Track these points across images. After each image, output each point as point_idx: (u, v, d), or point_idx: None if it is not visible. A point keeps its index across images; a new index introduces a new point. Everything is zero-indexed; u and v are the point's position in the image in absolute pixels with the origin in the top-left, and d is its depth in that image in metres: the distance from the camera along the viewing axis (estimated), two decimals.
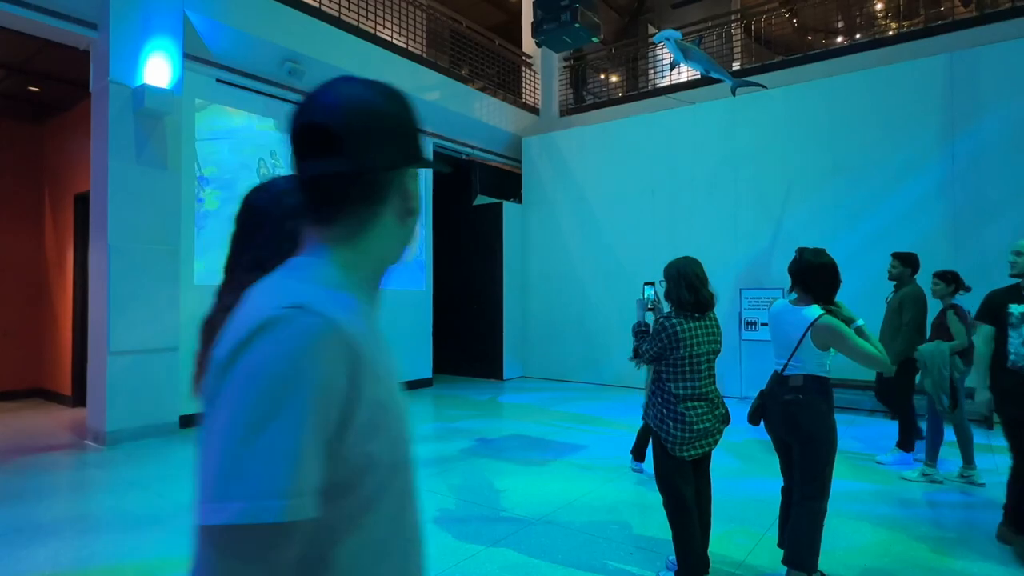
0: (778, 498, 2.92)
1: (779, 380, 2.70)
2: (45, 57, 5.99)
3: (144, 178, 5.46)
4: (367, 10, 7.71)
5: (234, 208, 1.22)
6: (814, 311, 2.58)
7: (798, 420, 2.60)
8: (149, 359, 5.47)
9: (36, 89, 6.82)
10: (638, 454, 4.45)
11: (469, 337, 9.75)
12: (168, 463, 4.74)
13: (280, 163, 6.89)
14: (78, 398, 6.78)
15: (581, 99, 10.30)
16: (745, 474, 4.47)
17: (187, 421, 5.80)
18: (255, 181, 6.43)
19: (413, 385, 8.46)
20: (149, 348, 5.47)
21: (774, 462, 3.25)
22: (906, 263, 4.79)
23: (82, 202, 6.72)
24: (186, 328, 5.85)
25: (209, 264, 6.18)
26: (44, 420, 6.38)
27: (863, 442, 5.38)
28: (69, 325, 7.15)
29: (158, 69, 5.52)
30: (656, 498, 2.74)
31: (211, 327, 1.12)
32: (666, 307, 2.80)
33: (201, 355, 1.14)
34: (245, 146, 6.52)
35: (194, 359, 1.17)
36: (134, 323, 5.36)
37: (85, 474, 4.63)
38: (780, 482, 2.91)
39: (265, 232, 1.14)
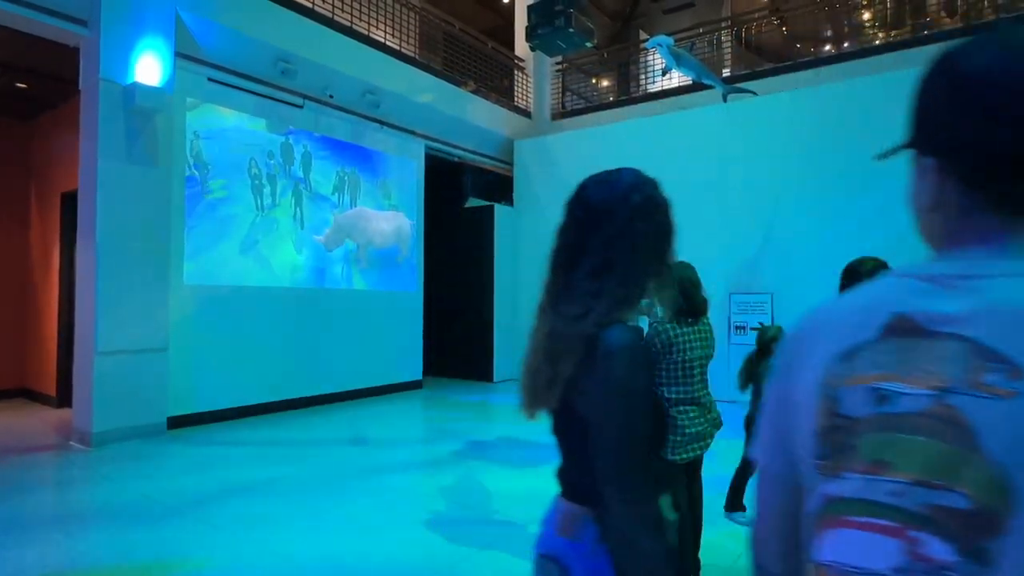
0: None
1: None
2: (34, 53, 5.92)
3: (134, 177, 5.41)
4: (360, 11, 7.70)
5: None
6: None
7: None
8: (137, 359, 5.41)
9: (24, 86, 6.74)
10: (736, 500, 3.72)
11: (459, 339, 9.75)
12: (155, 464, 4.69)
13: (277, 163, 6.86)
14: (63, 398, 6.69)
15: (563, 106, 10.35)
16: None
17: (175, 422, 5.76)
18: (246, 181, 6.40)
19: (403, 387, 8.44)
20: (137, 348, 5.42)
21: None
22: None
23: (69, 200, 6.64)
24: (175, 328, 5.81)
25: (200, 264, 6.14)
26: (29, 421, 6.30)
27: None
28: (55, 325, 7.06)
29: (149, 67, 5.47)
30: None
31: (558, 340, 1.01)
32: (659, 312, 2.82)
33: (554, 370, 1.01)
34: (236, 146, 6.49)
35: (538, 375, 1.04)
36: (122, 323, 5.31)
37: (71, 475, 4.58)
38: None
39: (609, 232, 1.02)
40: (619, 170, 1.08)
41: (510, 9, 11.10)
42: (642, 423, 0.96)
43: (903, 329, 0.56)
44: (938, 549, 0.50)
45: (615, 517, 0.94)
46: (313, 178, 7.32)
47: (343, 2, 7.38)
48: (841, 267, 5.75)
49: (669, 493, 1.06)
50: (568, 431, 1.05)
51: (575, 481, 1.05)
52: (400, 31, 8.39)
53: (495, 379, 9.34)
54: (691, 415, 2.62)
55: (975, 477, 0.49)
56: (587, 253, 1.02)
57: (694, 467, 2.78)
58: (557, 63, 10.25)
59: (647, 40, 7.86)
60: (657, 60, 9.26)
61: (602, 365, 0.95)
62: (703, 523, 2.85)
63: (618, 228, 1.01)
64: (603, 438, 0.95)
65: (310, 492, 4.10)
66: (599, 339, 0.96)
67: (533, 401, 1.07)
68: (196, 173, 6.17)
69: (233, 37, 6.11)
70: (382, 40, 7.83)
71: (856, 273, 2.56)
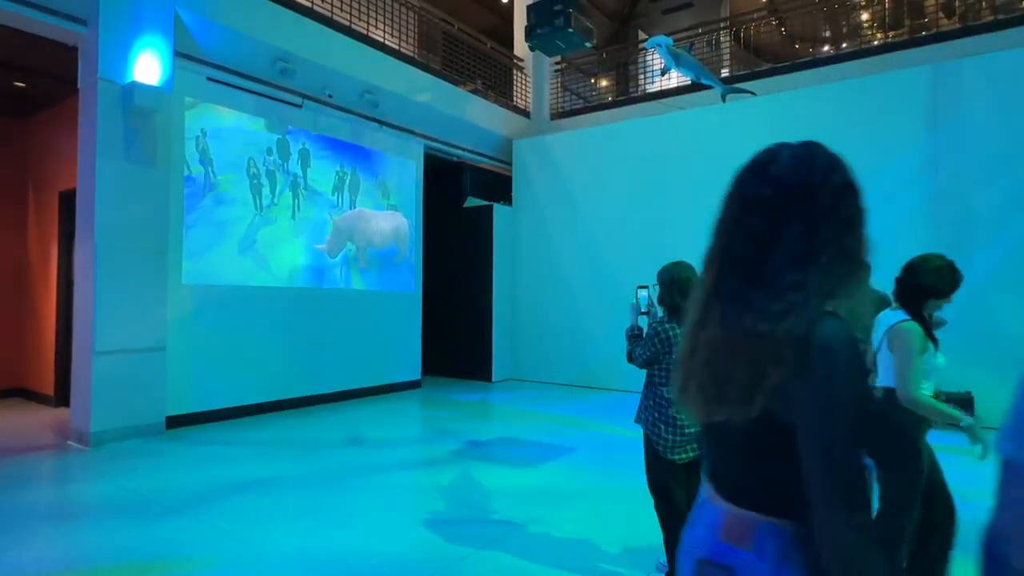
0: None
1: None
2: (32, 52, 5.90)
3: (132, 176, 5.40)
4: (359, 10, 7.69)
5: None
6: (900, 315, 2.41)
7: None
8: (135, 359, 5.41)
9: (22, 85, 6.72)
10: None
11: (458, 339, 9.75)
12: (154, 464, 4.68)
13: (275, 160, 6.85)
14: (61, 398, 6.68)
15: (562, 106, 10.36)
16: None
17: (173, 422, 5.75)
18: (245, 180, 6.39)
19: (402, 387, 8.44)
20: (135, 348, 5.41)
21: None
22: None
23: (67, 199, 6.63)
24: (174, 328, 5.81)
25: (198, 264, 6.13)
26: (26, 420, 6.28)
27: None
28: (52, 324, 7.05)
29: (148, 66, 5.47)
30: (647, 500, 2.76)
31: (758, 340, 0.88)
32: (660, 311, 2.82)
33: (756, 376, 0.88)
34: (235, 145, 6.48)
35: (727, 381, 0.92)
36: (120, 322, 5.30)
37: (69, 475, 4.57)
38: None
39: (809, 216, 0.90)
40: (808, 145, 0.97)
41: (509, 9, 11.10)
42: (864, 429, 0.86)
43: None
44: None
45: (840, 536, 0.83)
46: (312, 177, 7.31)
47: (342, 1, 7.37)
48: None
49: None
50: (759, 439, 0.92)
51: (756, 489, 0.94)
52: (399, 31, 8.38)
53: (494, 379, 9.34)
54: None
55: None
56: (781, 240, 0.90)
57: (694, 467, 2.78)
58: (556, 63, 10.25)
59: (646, 40, 7.87)
60: (656, 60, 9.27)
61: (820, 365, 0.84)
62: None
63: (820, 212, 0.90)
64: (823, 448, 0.84)
65: (309, 492, 4.09)
66: (811, 337, 0.85)
67: (716, 410, 0.95)
68: (202, 170, 6.18)
69: (232, 36, 6.10)
70: (381, 40, 7.82)
71: (918, 270, 2.39)
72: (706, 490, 1.04)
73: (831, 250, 0.90)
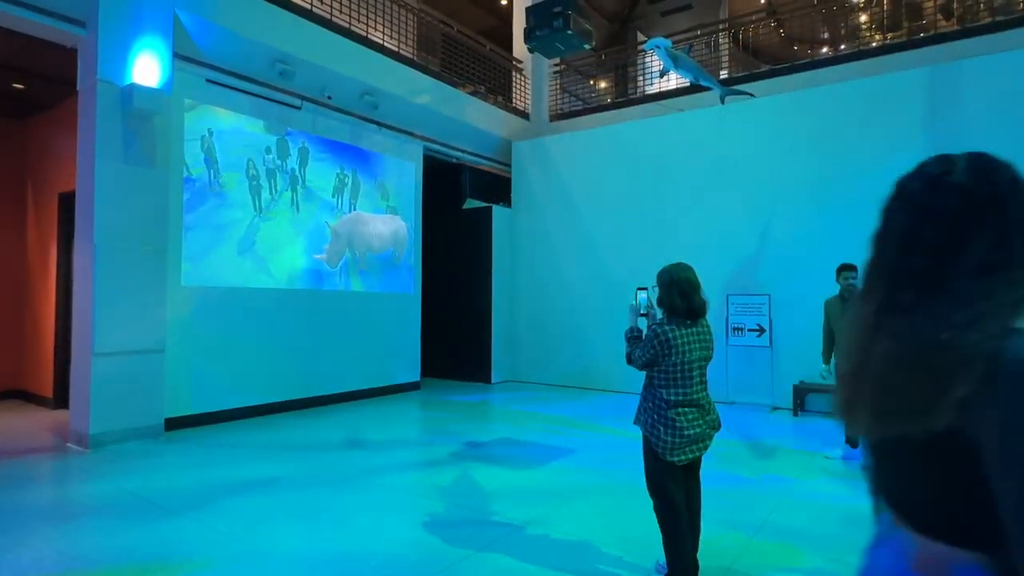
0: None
1: None
2: (31, 54, 5.91)
3: (132, 178, 5.41)
4: (359, 12, 7.71)
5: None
6: None
7: None
8: (134, 361, 5.41)
9: (21, 86, 6.72)
10: None
11: (457, 340, 9.75)
12: (153, 465, 4.68)
13: (274, 160, 6.85)
14: (60, 399, 6.67)
15: (561, 107, 10.37)
16: (735, 479, 4.51)
17: (172, 424, 5.75)
18: (244, 182, 6.39)
19: (401, 388, 8.44)
20: (135, 350, 5.41)
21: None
22: None
23: (66, 201, 6.64)
24: (173, 330, 5.81)
25: (197, 265, 6.13)
26: (25, 422, 6.28)
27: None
28: (51, 326, 7.04)
29: (147, 68, 5.47)
30: (646, 502, 2.77)
31: (941, 351, 0.83)
32: (659, 313, 2.83)
33: (939, 389, 0.83)
34: (234, 147, 6.48)
35: (906, 392, 0.87)
36: (120, 324, 5.30)
37: (69, 476, 4.57)
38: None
39: (995, 227, 0.86)
40: (982, 155, 0.93)
41: (508, 11, 11.12)
42: None
43: None
44: None
45: None
46: (311, 179, 7.32)
47: (341, 3, 7.38)
48: (836, 267, 5.68)
49: None
50: (942, 456, 0.86)
51: (942, 517, 0.88)
52: (398, 32, 8.40)
53: (493, 380, 9.34)
54: (690, 417, 2.62)
55: None
56: (966, 252, 0.87)
57: (692, 468, 2.79)
58: (555, 65, 10.26)
59: (645, 42, 7.88)
60: (655, 62, 9.27)
61: (1009, 391, 0.78)
62: (701, 525, 2.85)
63: (1011, 223, 0.86)
64: (1017, 482, 0.77)
65: (309, 493, 4.09)
66: (999, 357, 0.80)
67: (891, 424, 0.89)
68: (205, 170, 6.19)
69: (231, 38, 6.10)
70: (380, 41, 7.83)
71: None
72: (889, 516, 0.99)
73: (1020, 261, 0.86)
